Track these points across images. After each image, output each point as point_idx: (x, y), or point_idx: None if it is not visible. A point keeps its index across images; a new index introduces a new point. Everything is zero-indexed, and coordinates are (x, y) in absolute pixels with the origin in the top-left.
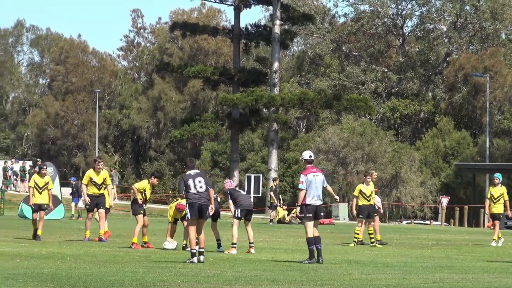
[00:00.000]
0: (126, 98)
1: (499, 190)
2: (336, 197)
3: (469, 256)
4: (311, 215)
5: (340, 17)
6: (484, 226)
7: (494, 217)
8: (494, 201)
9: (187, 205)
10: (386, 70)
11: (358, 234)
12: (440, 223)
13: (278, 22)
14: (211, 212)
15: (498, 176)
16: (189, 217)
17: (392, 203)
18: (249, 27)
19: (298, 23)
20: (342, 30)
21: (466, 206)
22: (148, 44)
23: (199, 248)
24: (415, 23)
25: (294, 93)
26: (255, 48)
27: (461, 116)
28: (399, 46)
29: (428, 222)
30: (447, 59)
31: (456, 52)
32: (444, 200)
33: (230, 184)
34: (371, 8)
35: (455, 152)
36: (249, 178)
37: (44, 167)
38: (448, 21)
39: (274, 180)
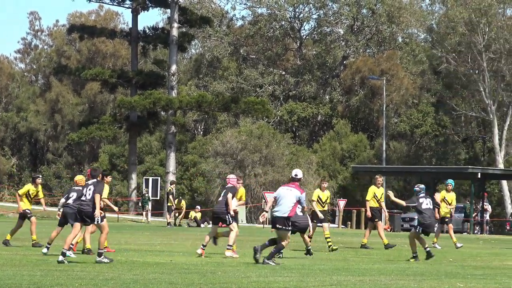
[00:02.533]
0: (23, 100)
1: (452, 196)
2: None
3: (366, 258)
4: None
5: (238, 20)
6: None
7: (443, 220)
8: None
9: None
10: (283, 73)
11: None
12: (337, 225)
13: (176, 25)
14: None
15: (451, 182)
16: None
17: None
18: (147, 30)
19: (196, 26)
20: (240, 33)
21: (363, 209)
22: (45, 47)
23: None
24: (312, 26)
25: (192, 96)
26: (153, 51)
27: (358, 119)
28: (296, 49)
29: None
30: (344, 62)
31: (353, 55)
32: (341, 203)
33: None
34: (268, 11)
35: (352, 155)
36: (147, 181)
37: (40, 176)
38: (345, 24)
39: (172, 183)
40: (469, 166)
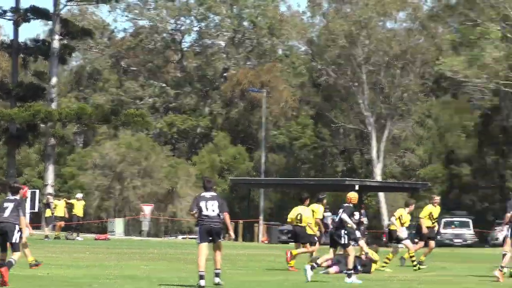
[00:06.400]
0: None
1: None
2: None
3: (244, 270)
4: None
5: (119, 32)
6: (258, 240)
7: None
8: None
9: None
10: (164, 85)
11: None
12: None
13: (57, 37)
14: None
15: None
16: None
17: (168, 218)
18: (28, 42)
19: (77, 38)
20: (121, 45)
21: (241, 221)
22: None
23: None
24: (194, 38)
25: (71, 108)
26: (33, 63)
27: (237, 131)
28: (177, 61)
29: None
30: (225, 74)
31: (233, 68)
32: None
33: None
34: (150, 23)
35: (230, 167)
36: None
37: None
38: (226, 37)
39: (49, 195)
40: (347, 178)
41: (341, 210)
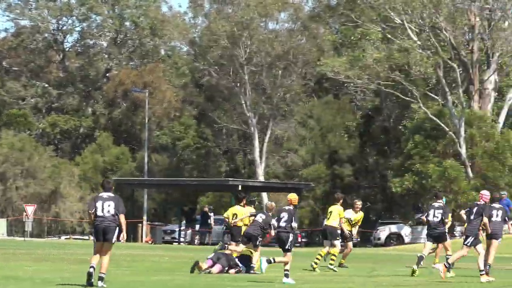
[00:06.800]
0: None
1: None
2: None
3: (128, 270)
4: None
5: (1, 32)
6: (142, 241)
7: None
8: None
9: None
10: (46, 85)
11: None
12: None
13: None
14: None
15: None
16: None
17: (51, 218)
18: None
19: None
20: (3, 45)
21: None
22: None
23: None
24: (76, 38)
25: None
26: None
27: (120, 131)
28: (59, 61)
29: (87, 237)
30: (107, 74)
31: (116, 68)
32: None
33: None
34: (31, 23)
35: (114, 168)
36: None
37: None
38: (108, 37)
39: None
40: (230, 179)
41: (284, 214)
